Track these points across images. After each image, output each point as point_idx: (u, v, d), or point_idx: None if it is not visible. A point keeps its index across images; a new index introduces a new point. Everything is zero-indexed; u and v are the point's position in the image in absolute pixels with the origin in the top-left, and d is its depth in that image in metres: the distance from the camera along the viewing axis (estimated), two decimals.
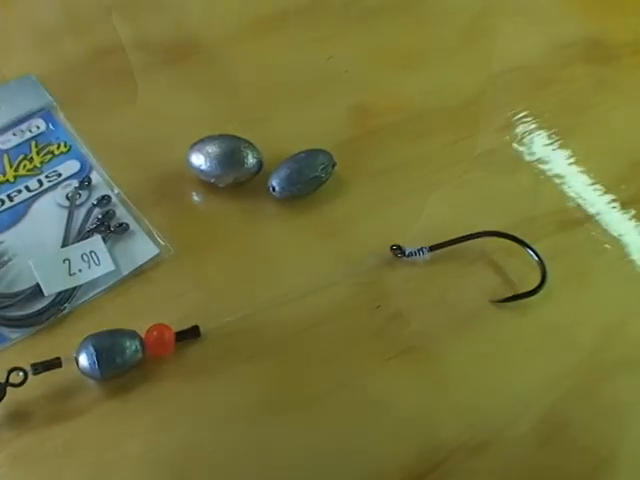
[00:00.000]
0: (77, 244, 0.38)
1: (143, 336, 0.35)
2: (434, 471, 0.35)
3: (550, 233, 0.43)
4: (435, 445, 0.35)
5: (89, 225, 0.39)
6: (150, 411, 0.34)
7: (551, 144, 0.48)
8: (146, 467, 0.33)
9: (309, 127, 0.45)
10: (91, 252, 0.38)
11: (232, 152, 0.40)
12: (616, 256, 0.42)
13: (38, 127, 0.44)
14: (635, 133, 0.49)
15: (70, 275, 0.37)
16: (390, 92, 0.49)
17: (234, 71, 0.49)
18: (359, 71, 0.49)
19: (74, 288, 0.37)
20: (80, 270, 0.37)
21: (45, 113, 0.45)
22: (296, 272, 0.39)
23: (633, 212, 0.45)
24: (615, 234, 0.43)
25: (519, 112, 0.49)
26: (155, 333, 0.35)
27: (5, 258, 0.38)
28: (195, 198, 0.42)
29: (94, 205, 0.40)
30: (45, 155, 0.43)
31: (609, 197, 0.45)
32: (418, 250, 0.39)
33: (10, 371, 0.33)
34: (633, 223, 0.44)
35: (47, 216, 0.40)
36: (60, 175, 0.42)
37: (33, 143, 0.43)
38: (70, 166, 0.42)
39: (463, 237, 0.40)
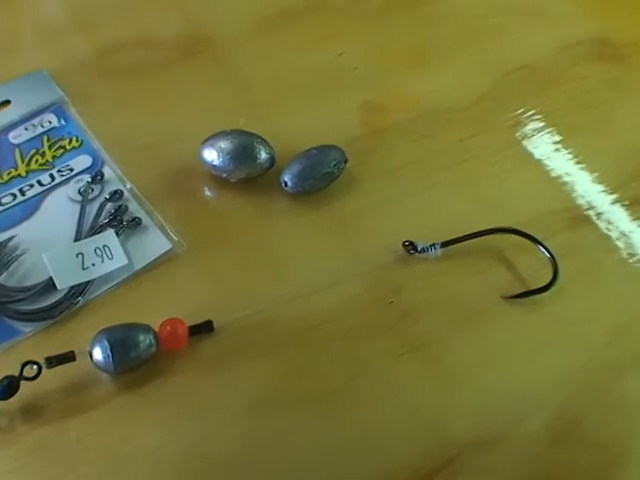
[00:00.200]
0: (90, 238, 0.38)
1: (157, 330, 0.35)
2: (446, 467, 0.34)
3: (560, 231, 0.43)
4: (447, 441, 0.35)
5: (102, 220, 0.39)
6: (164, 405, 0.34)
7: (559, 142, 0.47)
8: (160, 461, 0.33)
9: (320, 124, 0.45)
10: (104, 246, 0.37)
11: (245, 147, 0.40)
12: (626, 254, 0.42)
13: (50, 122, 0.44)
14: None
15: (83, 269, 0.37)
16: (399, 90, 0.48)
17: (244, 67, 0.48)
18: (369, 69, 0.49)
19: (87, 282, 0.37)
20: (93, 264, 0.37)
21: (57, 108, 0.44)
22: (309, 267, 0.39)
23: None
24: (626, 232, 0.43)
25: (527, 110, 0.49)
26: (169, 327, 0.35)
27: (17, 252, 0.38)
28: (207, 193, 0.42)
29: (107, 200, 0.40)
30: (57, 150, 0.42)
31: (619, 195, 0.45)
32: (430, 246, 0.39)
33: (24, 365, 0.33)
34: None
35: (59, 210, 0.40)
36: (72, 170, 0.41)
37: (45, 138, 0.43)
38: (82, 161, 0.42)
39: (475, 233, 0.40)
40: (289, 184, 0.40)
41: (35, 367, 0.33)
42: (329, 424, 0.35)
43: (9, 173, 0.41)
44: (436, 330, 0.38)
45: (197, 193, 0.42)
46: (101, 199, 0.40)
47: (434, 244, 0.39)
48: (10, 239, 0.38)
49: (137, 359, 0.34)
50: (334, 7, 0.53)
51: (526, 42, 0.53)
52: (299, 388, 0.36)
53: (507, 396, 0.37)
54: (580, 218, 0.44)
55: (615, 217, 0.44)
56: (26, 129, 0.43)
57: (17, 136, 0.43)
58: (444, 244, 0.40)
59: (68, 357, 0.33)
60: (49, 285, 0.36)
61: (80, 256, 0.37)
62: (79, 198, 0.40)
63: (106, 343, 0.33)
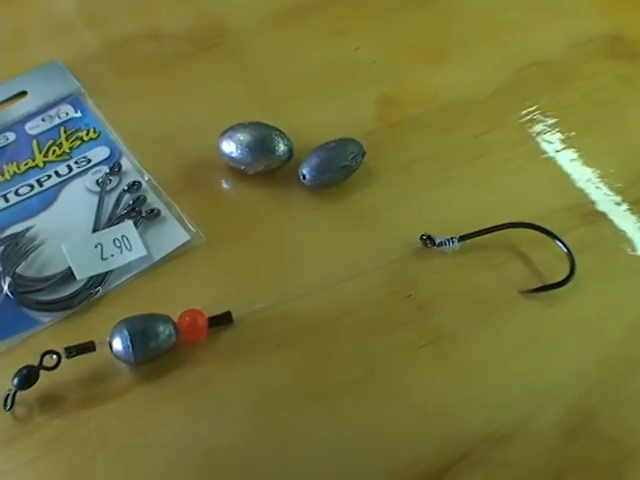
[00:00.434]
0: (109, 229, 0.37)
1: (176, 321, 0.34)
2: (461, 461, 0.34)
3: (575, 226, 0.42)
4: (462, 435, 0.35)
5: (120, 211, 0.39)
6: (183, 396, 0.34)
7: (573, 138, 0.47)
8: (179, 452, 0.33)
9: (336, 117, 0.45)
10: (123, 237, 0.37)
11: (263, 140, 0.39)
12: None
13: (67, 113, 0.43)
14: None
15: (102, 260, 0.36)
16: (415, 84, 0.48)
17: (259, 61, 0.48)
18: (384, 63, 0.49)
19: (106, 273, 0.36)
20: (112, 255, 0.37)
21: (74, 99, 0.44)
22: (326, 260, 0.39)
23: None
24: None
25: (541, 106, 0.48)
26: (188, 318, 0.34)
27: (36, 242, 0.37)
28: (225, 186, 0.41)
29: (125, 191, 0.39)
30: (74, 141, 0.42)
31: (633, 191, 0.44)
32: (448, 240, 0.39)
33: (44, 354, 0.33)
34: None
35: (77, 201, 0.39)
36: (90, 161, 0.41)
37: (62, 129, 0.42)
38: (99, 152, 0.41)
39: (492, 228, 0.40)
40: (307, 177, 0.40)
41: (55, 357, 0.33)
42: (346, 417, 0.35)
43: (26, 164, 0.41)
44: (453, 324, 0.38)
45: (215, 185, 0.41)
46: (119, 190, 0.40)
47: (452, 238, 0.39)
48: (28, 229, 0.38)
49: (157, 350, 0.33)
50: (349, 1, 0.52)
51: (540, 38, 0.53)
52: (317, 381, 0.35)
53: (522, 391, 0.36)
54: (594, 214, 0.43)
55: (629, 213, 0.43)
56: (43, 120, 0.43)
57: (34, 127, 0.42)
58: (461, 238, 0.39)
59: (88, 347, 0.33)
60: (68, 275, 0.36)
61: (99, 247, 0.37)
62: (97, 189, 0.40)
63: (126, 333, 0.32)
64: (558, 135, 0.47)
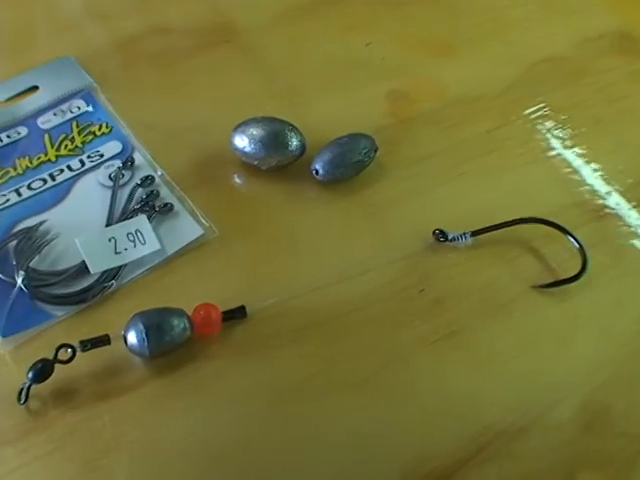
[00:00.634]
0: (122, 223, 0.37)
1: (190, 315, 0.34)
2: (478, 454, 0.34)
3: (586, 222, 0.42)
4: (479, 428, 0.34)
5: (133, 205, 0.38)
6: (198, 390, 0.34)
7: (584, 134, 0.47)
8: (193, 446, 0.32)
9: (347, 113, 0.44)
10: (137, 231, 0.37)
11: (276, 135, 0.39)
12: None
13: (79, 107, 0.43)
14: None
15: (116, 254, 0.36)
16: (426, 80, 0.48)
17: (270, 56, 0.48)
18: (395, 59, 0.48)
19: (119, 267, 0.36)
20: (126, 249, 0.36)
21: (85, 94, 0.44)
22: (339, 255, 0.38)
23: None
24: None
25: (552, 102, 0.48)
26: (202, 312, 0.34)
27: (49, 237, 0.37)
28: (238, 180, 0.41)
29: (138, 185, 0.39)
30: (86, 135, 0.42)
31: None
32: (461, 235, 0.39)
33: (58, 348, 0.32)
34: None
35: (90, 196, 0.39)
36: (102, 155, 0.41)
37: (74, 123, 0.42)
38: (112, 147, 0.41)
39: (505, 223, 0.39)
40: (320, 172, 0.40)
41: (69, 350, 0.32)
42: (361, 411, 0.34)
43: (38, 158, 0.40)
44: (467, 318, 0.37)
45: (227, 180, 0.41)
46: (132, 185, 0.39)
47: (464, 233, 0.39)
48: (41, 223, 0.37)
49: (171, 343, 0.33)
50: None
51: (550, 34, 0.52)
52: (331, 375, 0.35)
53: (536, 385, 0.36)
54: (605, 210, 0.43)
55: None
56: (55, 115, 0.42)
57: (46, 121, 0.42)
58: (474, 233, 0.39)
59: (103, 340, 0.33)
60: (81, 269, 0.36)
61: (112, 241, 0.36)
62: (110, 183, 0.39)
63: (141, 326, 0.32)
64: (569, 131, 0.47)
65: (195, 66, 0.46)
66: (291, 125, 0.40)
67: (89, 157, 0.41)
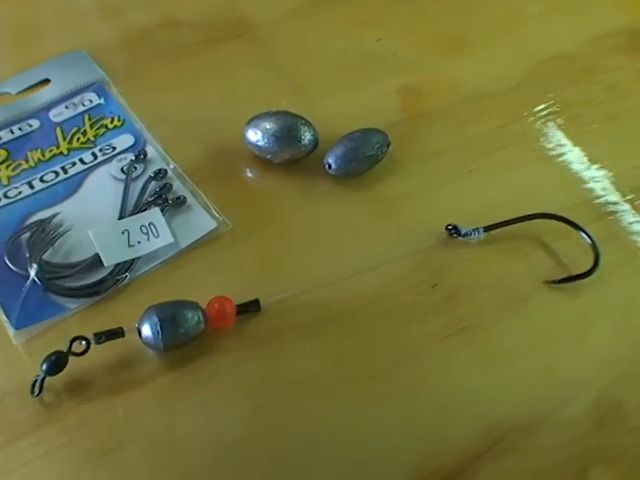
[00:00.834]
0: (136, 216, 0.37)
1: (204, 308, 0.34)
2: (492, 449, 0.33)
3: (597, 218, 0.42)
4: (491, 424, 0.34)
5: (146, 198, 0.38)
6: (212, 383, 0.33)
7: (594, 131, 0.46)
8: (207, 438, 0.32)
9: (359, 108, 0.44)
10: (150, 224, 0.36)
11: (289, 129, 0.39)
12: None
13: (91, 101, 0.42)
14: None
15: (129, 246, 0.36)
16: (437, 76, 0.47)
17: (283, 51, 0.47)
18: (407, 54, 0.48)
19: (133, 260, 0.36)
20: (139, 242, 0.36)
21: (97, 87, 0.43)
22: (352, 249, 0.38)
23: None
24: None
25: (562, 99, 0.48)
26: (216, 305, 0.34)
27: (62, 229, 0.37)
28: (250, 174, 0.41)
29: (151, 178, 0.39)
30: (99, 129, 0.41)
31: None
32: (474, 230, 0.38)
33: (73, 340, 0.32)
34: None
35: (102, 188, 0.39)
36: (114, 149, 0.40)
37: (86, 116, 0.42)
38: (124, 140, 0.41)
39: (517, 218, 0.39)
40: (333, 166, 0.39)
41: (84, 342, 0.32)
42: (374, 406, 0.34)
43: (50, 151, 0.40)
44: (479, 313, 0.37)
45: (240, 174, 0.41)
46: (145, 178, 0.39)
47: (477, 228, 0.38)
48: (54, 216, 0.37)
49: (185, 336, 0.33)
50: None
51: (559, 32, 0.52)
52: (343, 370, 0.35)
53: (550, 380, 0.36)
54: (616, 206, 0.43)
55: None
56: (67, 107, 0.42)
57: (58, 114, 0.42)
58: (487, 228, 0.39)
59: (117, 333, 0.32)
60: (95, 262, 0.35)
61: (126, 233, 0.36)
62: (122, 176, 0.39)
63: (156, 319, 0.32)
64: (579, 128, 0.46)
65: (207, 60, 0.46)
66: (304, 119, 0.39)
67: (101, 150, 0.40)
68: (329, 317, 0.36)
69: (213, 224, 0.37)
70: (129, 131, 0.41)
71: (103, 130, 0.41)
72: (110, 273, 0.35)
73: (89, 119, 0.41)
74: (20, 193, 0.38)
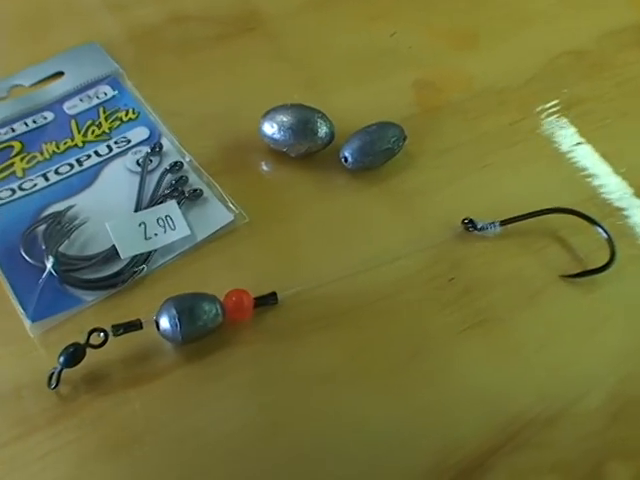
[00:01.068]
0: (152, 208, 0.36)
1: (222, 300, 0.33)
2: (508, 443, 0.33)
3: (613, 212, 0.41)
4: (507, 418, 0.34)
5: (162, 191, 0.37)
6: (229, 376, 0.33)
7: (607, 126, 0.46)
8: (225, 431, 0.31)
9: (373, 102, 0.44)
10: (166, 217, 0.36)
11: (305, 122, 0.38)
12: None
13: (105, 93, 0.42)
14: None
15: (146, 239, 0.35)
16: (450, 70, 0.47)
17: (296, 45, 0.47)
18: (420, 48, 0.48)
19: (149, 252, 0.35)
20: (156, 234, 0.35)
21: (112, 80, 0.43)
22: (368, 243, 0.38)
23: None
24: None
25: (575, 95, 0.47)
26: (234, 298, 0.33)
27: (77, 221, 0.36)
28: (266, 167, 0.40)
29: (167, 170, 0.38)
30: (113, 121, 0.41)
31: None
32: (490, 224, 0.38)
33: (91, 332, 0.31)
34: None
35: (118, 181, 0.38)
36: (129, 141, 0.40)
37: (101, 109, 0.41)
38: (139, 133, 0.40)
39: (533, 212, 0.39)
40: (349, 159, 0.39)
41: (102, 335, 0.31)
42: (391, 399, 0.33)
43: (65, 143, 0.39)
44: (496, 307, 0.37)
45: (256, 167, 0.40)
46: (160, 170, 0.38)
47: (493, 222, 0.38)
48: (69, 208, 0.37)
49: (203, 329, 0.32)
50: None
51: (572, 27, 0.52)
52: (361, 363, 0.34)
53: (565, 374, 0.35)
54: (631, 200, 0.42)
55: None
56: (81, 100, 0.42)
57: (72, 107, 0.41)
58: (503, 222, 0.38)
59: (135, 325, 0.32)
60: (111, 254, 0.35)
61: (142, 226, 0.35)
62: (138, 169, 0.38)
63: (174, 311, 0.31)
64: (591, 124, 0.46)
65: (220, 54, 0.45)
66: (320, 112, 0.39)
67: (116, 143, 0.40)
68: (345, 310, 0.35)
69: (230, 217, 0.37)
70: (144, 124, 0.41)
71: (118, 123, 0.40)
72: (127, 265, 0.35)
73: (104, 111, 0.41)
74: (35, 185, 0.37)
